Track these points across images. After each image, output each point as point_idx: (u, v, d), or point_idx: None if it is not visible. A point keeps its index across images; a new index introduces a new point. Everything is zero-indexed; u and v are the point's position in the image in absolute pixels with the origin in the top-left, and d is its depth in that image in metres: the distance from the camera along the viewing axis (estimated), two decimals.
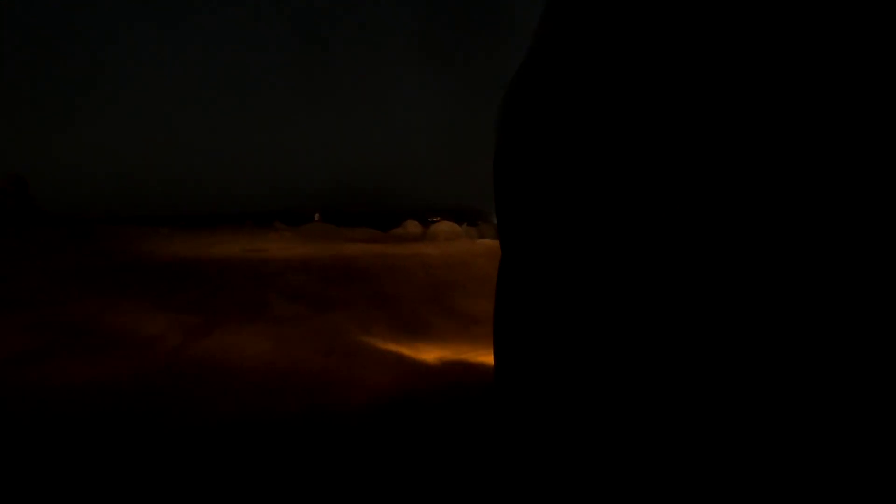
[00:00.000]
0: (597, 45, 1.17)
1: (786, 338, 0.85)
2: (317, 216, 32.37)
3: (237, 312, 6.15)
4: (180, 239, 18.33)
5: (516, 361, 1.55)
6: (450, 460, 2.25)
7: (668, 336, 0.99)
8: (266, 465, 2.33)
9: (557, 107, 1.26)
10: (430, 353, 4.49)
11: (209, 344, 4.65)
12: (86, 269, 9.16)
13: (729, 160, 0.90)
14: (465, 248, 14.75)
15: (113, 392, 3.32)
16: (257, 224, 30.43)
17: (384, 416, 2.95)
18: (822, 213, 0.81)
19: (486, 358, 4.18)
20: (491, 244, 15.47)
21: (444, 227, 24.71)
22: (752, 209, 0.88)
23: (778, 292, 0.86)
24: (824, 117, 0.82)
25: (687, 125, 0.96)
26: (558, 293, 1.25)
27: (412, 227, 27.70)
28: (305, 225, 28.28)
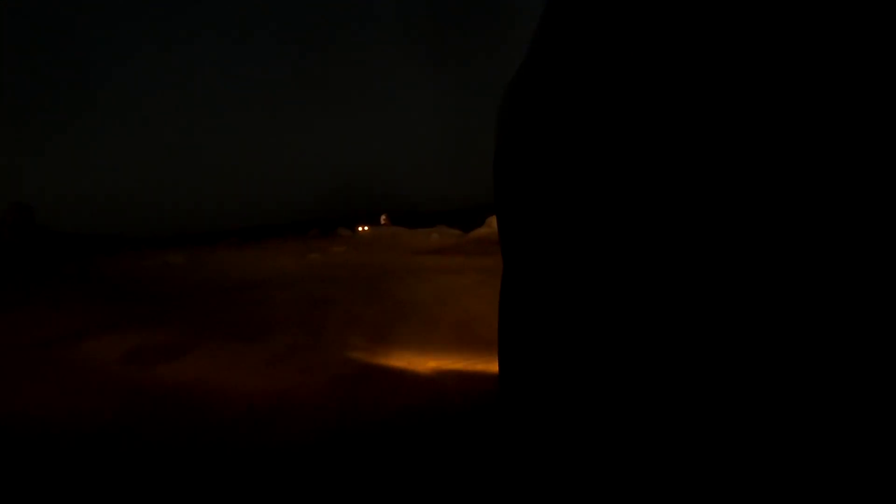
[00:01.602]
0: (598, 45, 1.17)
1: (787, 339, 0.85)
2: (383, 219, 27.52)
3: None
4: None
5: (522, 373, 1.51)
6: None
7: (674, 340, 0.99)
8: (268, 489, 2.28)
9: (558, 108, 1.25)
10: None
11: None
12: None
13: (730, 160, 0.89)
14: None
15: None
16: (323, 233, 27.56)
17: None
18: (822, 214, 0.81)
19: None
20: None
21: None
22: (753, 210, 0.87)
23: (778, 294, 0.85)
24: (825, 118, 0.81)
25: (687, 126, 0.95)
26: (562, 299, 1.25)
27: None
28: (369, 230, 23.40)
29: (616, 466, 1.07)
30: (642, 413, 1.01)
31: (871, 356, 0.75)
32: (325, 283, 8.08)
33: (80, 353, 4.92)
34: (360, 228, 26.00)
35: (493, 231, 20.81)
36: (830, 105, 0.78)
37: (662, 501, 0.99)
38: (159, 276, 11.57)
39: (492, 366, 3.56)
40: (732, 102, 0.87)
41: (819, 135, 0.78)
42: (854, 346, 0.77)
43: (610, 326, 1.08)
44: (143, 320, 6.30)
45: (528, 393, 1.43)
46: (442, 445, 2.55)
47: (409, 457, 2.43)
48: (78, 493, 2.32)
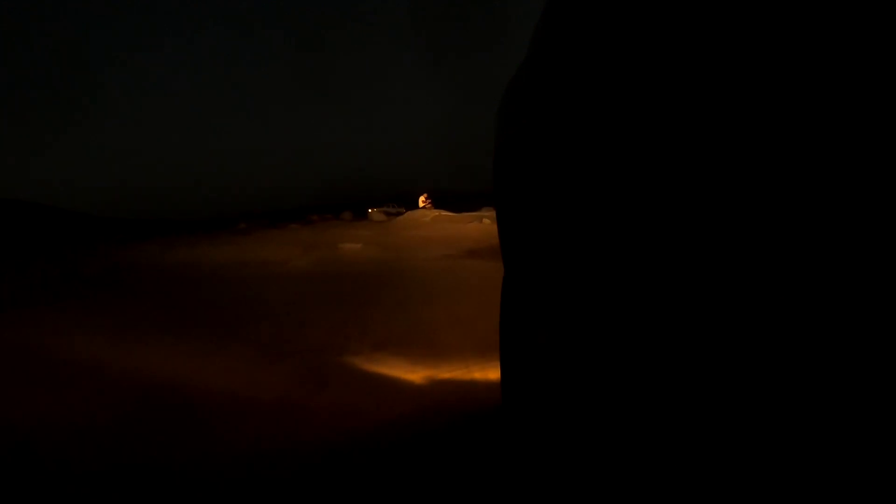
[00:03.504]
0: (597, 45, 1.14)
1: (788, 342, 0.83)
2: (423, 200, 22.80)
3: None
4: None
5: (523, 378, 1.46)
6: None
7: (676, 343, 0.95)
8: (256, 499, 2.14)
9: (558, 108, 1.22)
10: None
11: None
12: None
13: (730, 160, 0.87)
14: None
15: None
16: (357, 215, 24.27)
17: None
18: (823, 214, 0.79)
19: None
20: None
21: None
22: (753, 210, 0.84)
23: (779, 296, 0.83)
24: (825, 117, 0.78)
25: (688, 126, 0.92)
26: (563, 302, 1.22)
27: None
28: (406, 214, 18.67)
29: (620, 474, 1.05)
30: (646, 419, 0.99)
31: (872, 356, 0.75)
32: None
33: None
34: (369, 210, 22.39)
35: None
36: (832, 106, 0.77)
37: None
38: None
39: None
40: (733, 102, 0.86)
41: (820, 136, 0.78)
42: (855, 347, 0.76)
43: (611, 330, 1.06)
44: None
45: (530, 398, 1.37)
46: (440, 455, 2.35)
47: (404, 468, 2.23)
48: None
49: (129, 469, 2.35)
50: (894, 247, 0.71)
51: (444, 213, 17.92)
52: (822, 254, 0.77)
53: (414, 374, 3.55)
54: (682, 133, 0.90)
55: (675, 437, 0.94)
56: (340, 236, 13.39)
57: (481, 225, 14.47)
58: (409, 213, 18.61)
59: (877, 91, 0.73)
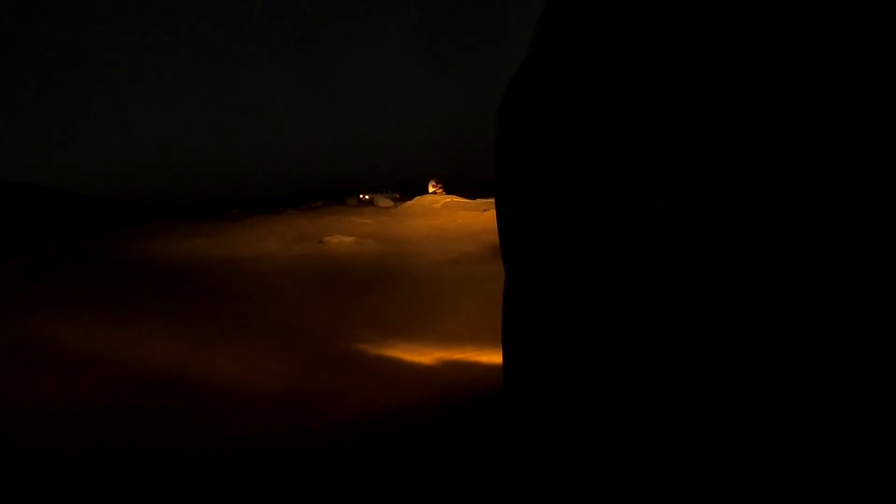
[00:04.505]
0: (597, 47, 1.14)
1: (786, 338, 0.82)
2: (432, 185, 20.97)
3: None
4: None
5: (525, 371, 1.47)
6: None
7: (673, 337, 0.95)
8: (272, 482, 2.08)
9: (559, 107, 1.22)
10: None
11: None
12: None
13: (728, 159, 0.87)
14: None
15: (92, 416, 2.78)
16: (362, 201, 22.69)
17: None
18: (821, 214, 0.77)
19: None
20: None
21: None
22: (752, 208, 0.83)
23: (778, 294, 0.82)
24: (823, 119, 0.78)
25: (688, 126, 0.92)
26: (563, 298, 1.22)
27: None
28: (415, 199, 16.84)
29: (616, 463, 1.04)
30: (642, 412, 0.98)
31: (870, 356, 0.73)
32: None
33: None
34: (362, 196, 20.94)
35: None
36: (830, 109, 0.75)
37: (661, 496, 0.96)
38: None
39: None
40: (729, 103, 0.84)
41: (819, 139, 0.76)
42: (854, 347, 0.74)
43: (609, 325, 1.04)
44: None
45: (531, 391, 1.37)
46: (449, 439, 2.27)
47: (416, 452, 2.20)
48: None
49: (135, 453, 2.28)
50: (891, 247, 0.70)
51: (456, 198, 16.11)
52: (821, 254, 0.75)
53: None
54: (680, 133, 0.88)
55: (666, 429, 0.92)
56: (335, 225, 11.64)
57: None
58: (419, 198, 16.78)
59: (876, 92, 0.71)
